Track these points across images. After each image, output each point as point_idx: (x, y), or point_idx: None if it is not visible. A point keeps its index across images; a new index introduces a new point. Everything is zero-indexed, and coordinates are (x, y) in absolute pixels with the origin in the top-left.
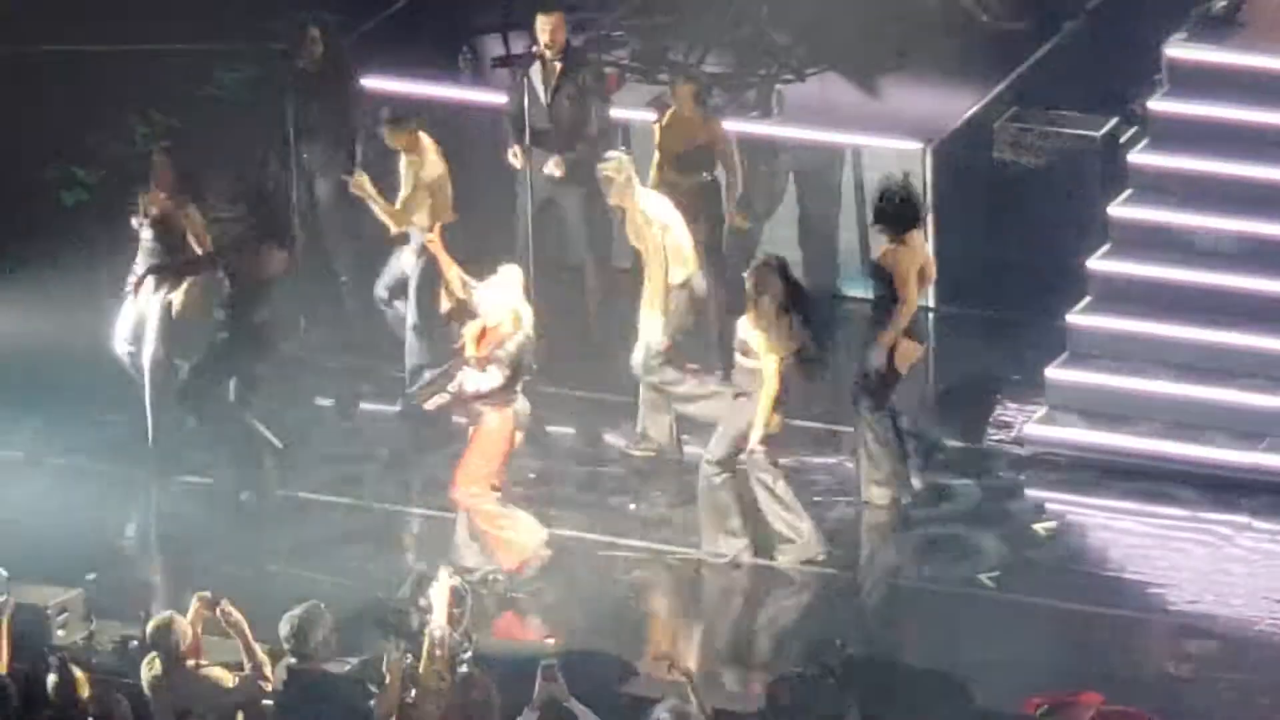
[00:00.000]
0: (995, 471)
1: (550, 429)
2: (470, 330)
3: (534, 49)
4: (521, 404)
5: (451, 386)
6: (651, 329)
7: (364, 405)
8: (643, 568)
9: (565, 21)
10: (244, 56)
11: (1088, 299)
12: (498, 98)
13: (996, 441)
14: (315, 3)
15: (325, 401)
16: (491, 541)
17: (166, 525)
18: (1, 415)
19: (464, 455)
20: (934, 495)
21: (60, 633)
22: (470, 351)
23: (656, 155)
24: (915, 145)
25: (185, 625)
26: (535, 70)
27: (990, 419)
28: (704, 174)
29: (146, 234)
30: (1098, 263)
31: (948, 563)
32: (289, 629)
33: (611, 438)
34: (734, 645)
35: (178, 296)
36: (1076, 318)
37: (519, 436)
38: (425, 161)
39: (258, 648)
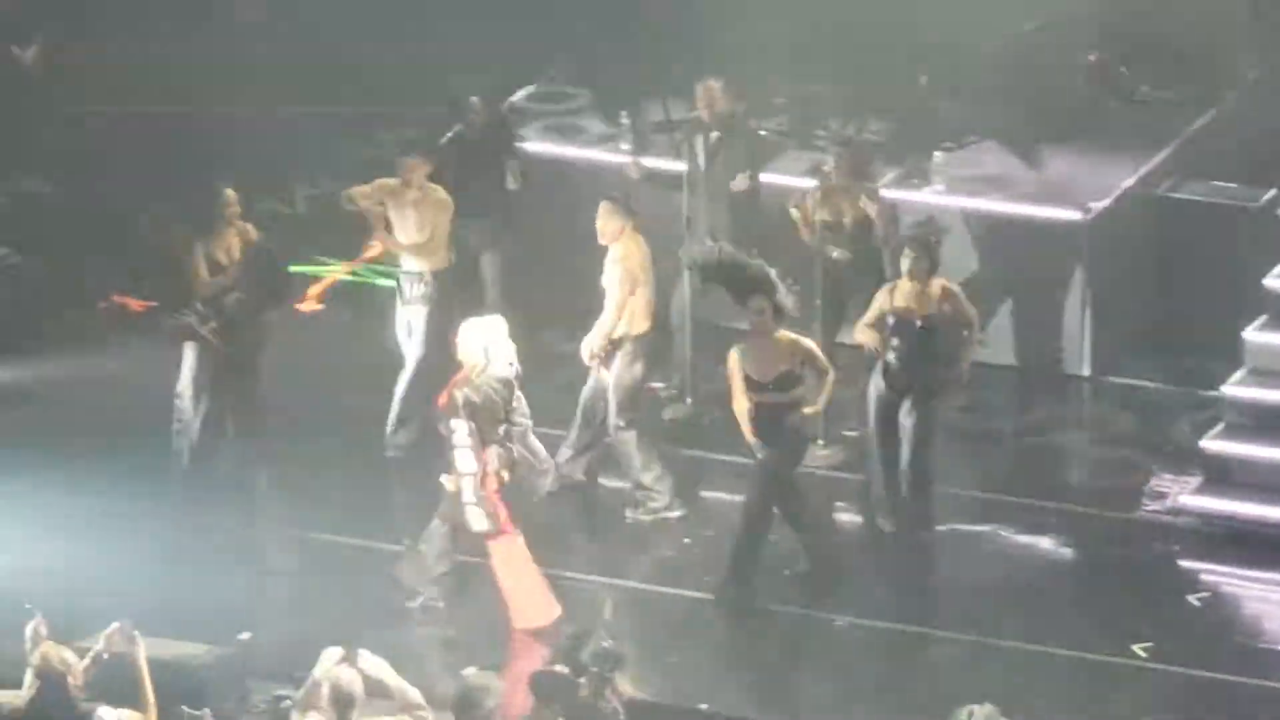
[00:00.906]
0: (1149, 542)
1: None
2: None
3: (694, 114)
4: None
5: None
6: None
7: None
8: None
9: (726, 89)
10: (406, 119)
11: (1244, 369)
12: (657, 162)
13: (1151, 512)
14: (478, 67)
15: None
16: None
17: (293, 580)
18: (134, 469)
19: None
20: (1086, 564)
21: (213, 691)
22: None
23: (802, 218)
24: (1074, 215)
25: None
26: (698, 138)
27: (1145, 489)
28: (861, 243)
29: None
30: (1254, 334)
31: (1100, 632)
32: (461, 695)
33: None
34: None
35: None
36: (1233, 388)
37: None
38: (442, 200)
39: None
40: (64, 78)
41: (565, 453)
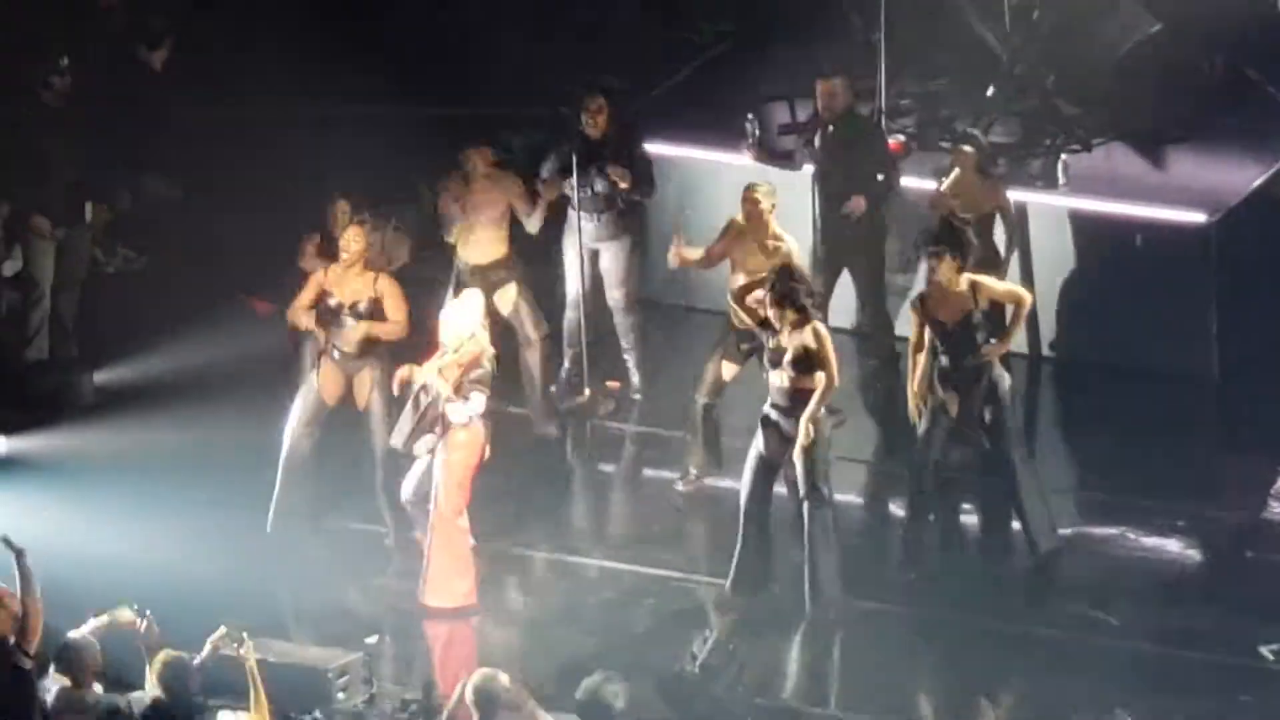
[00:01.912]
0: (1276, 543)
1: None
2: (433, 367)
3: (818, 115)
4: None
5: (438, 427)
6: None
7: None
8: None
9: (848, 87)
10: (531, 121)
11: None
12: (784, 164)
13: (1278, 514)
14: (603, 69)
15: None
16: (446, 576)
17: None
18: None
19: (444, 483)
20: (1212, 567)
21: (340, 695)
22: (442, 387)
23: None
24: (1200, 217)
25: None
26: (819, 136)
27: (1273, 490)
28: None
29: None
30: None
31: (1228, 634)
32: (586, 696)
33: None
34: None
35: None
36: None
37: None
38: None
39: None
40: (191, 80)
41: None
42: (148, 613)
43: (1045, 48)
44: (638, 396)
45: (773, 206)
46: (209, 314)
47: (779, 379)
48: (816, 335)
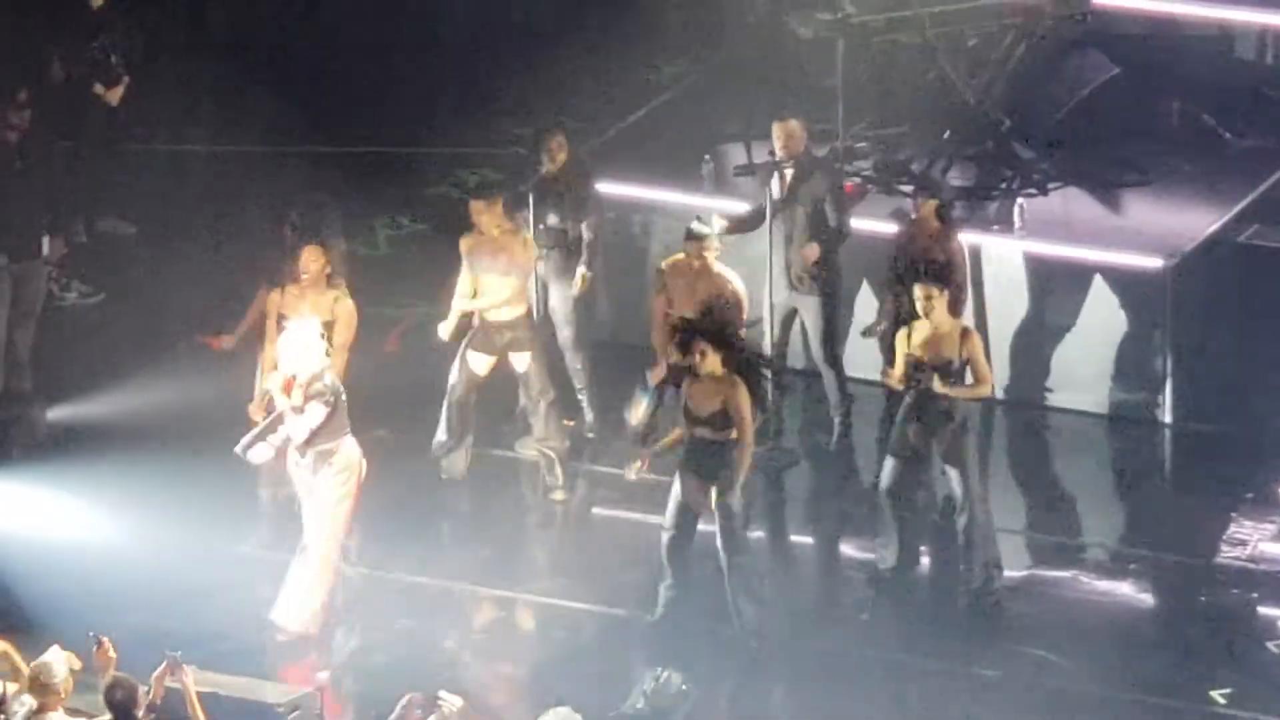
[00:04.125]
0: (1229, 588)
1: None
2: (275, 384)
3: (774, 157)
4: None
5: (277, 440)
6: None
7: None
8: None
9: (804, 130)
10: (488, 159)
11: None
12: (739, 205)
13: (1230, 558)
14: (559, 109)
15: None
16: (309, 600)
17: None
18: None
19: (317, 509)
20: (1164, 611)
21: None
22: (285, 402)
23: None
24: (1156, 262)
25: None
26: (775, 177)
27: (1225, 535)
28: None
29: None
30: None
31: (1180, 678)
32: None
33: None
34: None
35: None
36: None
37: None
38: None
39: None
40: (147, 116)
41: None
42: (99, 636)
43: (1004, 90)
44: (590, 435)
45: (713, 244)
46: (165, 351)
47: (701, 431)
48: (735, 392)
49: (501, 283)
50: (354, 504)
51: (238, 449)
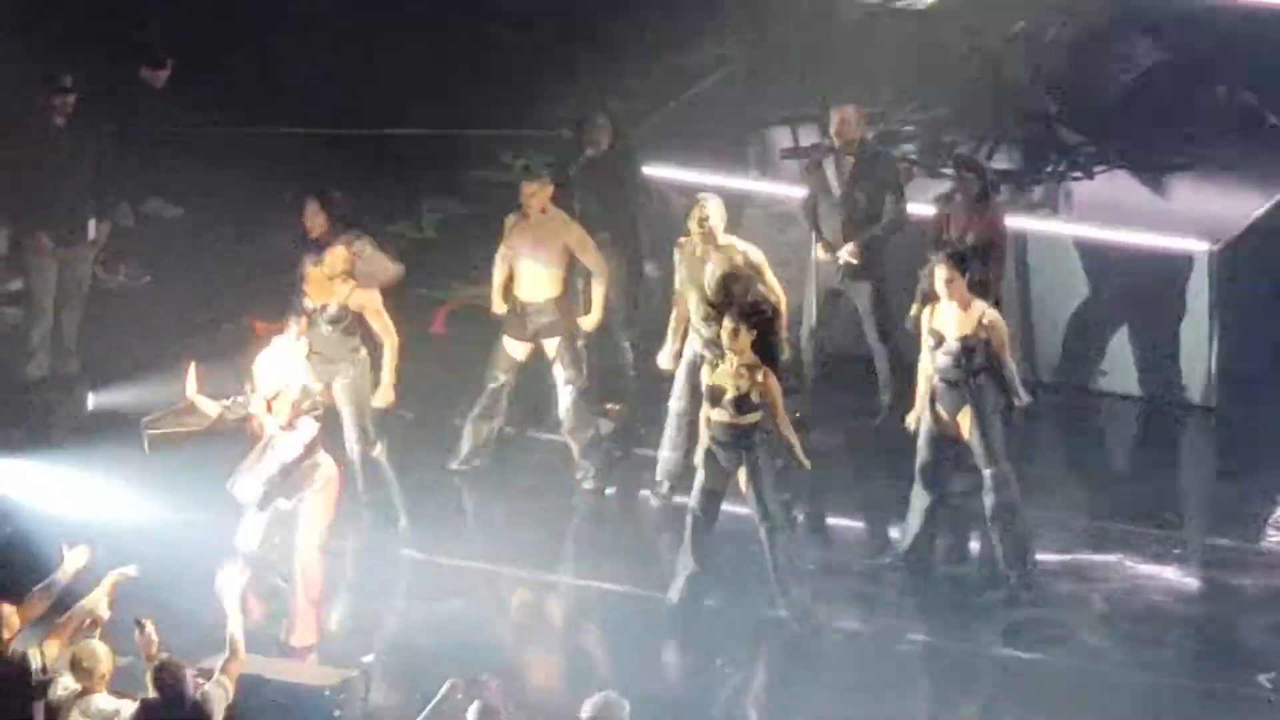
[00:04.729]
0: (1274, 572)
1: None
2: (258, 406)
3: (826, 141)
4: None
5: (274, 466)
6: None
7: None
8: None
9: (860, 116)
10: (532, 142)
11: None
12: (784, 189)
13: (1275, 543)
14: (605, 91)
15: None
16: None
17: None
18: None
19: (311, 515)
20: (1210, 594)
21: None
22: (272, 423)
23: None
24: (1202, 246)
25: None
26: (829, 163)
27: (1270, 519)
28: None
29: None
30: None
31: (1225, 662)
32: (594, 713)
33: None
34: None
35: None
36: None
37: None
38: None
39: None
40: (194, 99)
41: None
42: (142, 620)
43: (1051, 74)
44: (633, 418)
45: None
46: (210, 333)
47: (719, 415)
48: (766, 381)
49: (538, 267)
50: (331, 518)
51: (250, 500)
